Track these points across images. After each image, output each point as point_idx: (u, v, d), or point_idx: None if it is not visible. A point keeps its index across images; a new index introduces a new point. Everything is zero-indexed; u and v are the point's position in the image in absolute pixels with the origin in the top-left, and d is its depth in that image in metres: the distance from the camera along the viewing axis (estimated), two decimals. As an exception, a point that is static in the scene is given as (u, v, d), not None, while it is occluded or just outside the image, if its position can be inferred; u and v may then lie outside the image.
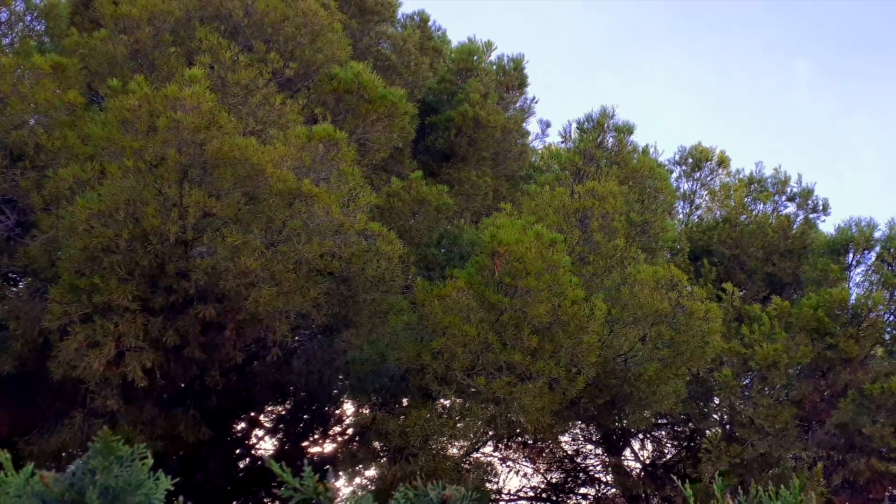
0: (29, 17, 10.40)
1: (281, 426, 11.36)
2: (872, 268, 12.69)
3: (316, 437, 11.32)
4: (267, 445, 11.51)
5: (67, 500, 3.66)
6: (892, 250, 12.33)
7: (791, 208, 14.68)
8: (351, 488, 10.96)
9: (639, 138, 16.26)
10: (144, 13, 8.11)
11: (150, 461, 4.88)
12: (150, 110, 7.58)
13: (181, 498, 4.22)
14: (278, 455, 11.08)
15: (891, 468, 11.59)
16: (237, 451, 11.01)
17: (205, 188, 7.97)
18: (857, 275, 12.90)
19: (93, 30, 8.57)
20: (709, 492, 10.99)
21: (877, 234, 12.67)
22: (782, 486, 5.58)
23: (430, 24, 12.16)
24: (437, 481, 10.31)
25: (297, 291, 8.51)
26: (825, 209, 14.61)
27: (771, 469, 12.31)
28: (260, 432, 11.48)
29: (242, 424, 11.23)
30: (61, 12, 10.23)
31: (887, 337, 12.67)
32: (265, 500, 11.21)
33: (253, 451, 11.35)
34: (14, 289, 9.95)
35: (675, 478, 7.18)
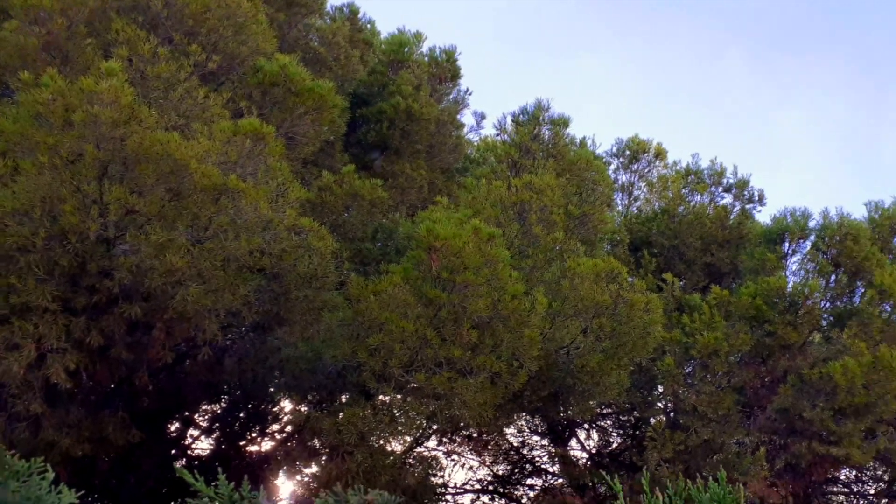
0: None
1: (217, 425, 11.13)
2: (808, 256, 12.91)
3: (254, 435, 11.13)
4: (203, 445, 11.29)
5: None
6: (826, 239, 12.55)
7: (728, 199, 14.93)
8: (291, 486, 10.82)
9: (575, 131, 16.27)
10: (57, 4, 7.82)
11: (51, 475, 4.69)
12: (65, 104, 7.30)
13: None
14: (215, 455, 10.86)
15: (831, 451, 11.80)
16: (172, 452, 10.77)
17: (126, 185, 7.72)
18: (794, 263, 13.14)
19: (2, 20, 8.25)
20: (655, 479, 11.05)
21: (811, 224, 12.91)
22: (711, 479, 5.58)
23: (359, 16, 11.97)
24: (376, 478, 10.14)
25: (227, 289, 8.32)
26: (761, 199, 14.86)
27: (715, 455, 12.45)
28: (195, 432, 11.24)
29: (177, 425, 10.99)
30: (-32, 3, 9.83)
31: (824, 323, 12.92)
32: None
33: (189, 452, 11.11)
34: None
35: (603, 473, 7.14)
